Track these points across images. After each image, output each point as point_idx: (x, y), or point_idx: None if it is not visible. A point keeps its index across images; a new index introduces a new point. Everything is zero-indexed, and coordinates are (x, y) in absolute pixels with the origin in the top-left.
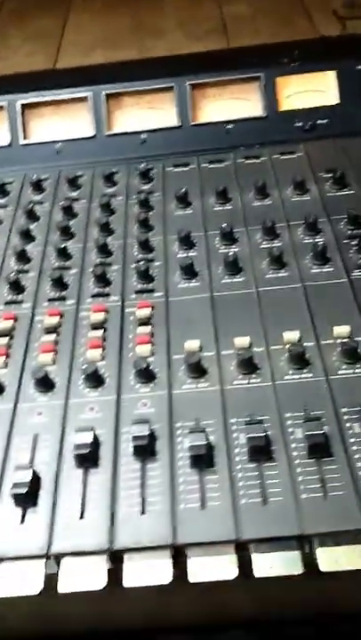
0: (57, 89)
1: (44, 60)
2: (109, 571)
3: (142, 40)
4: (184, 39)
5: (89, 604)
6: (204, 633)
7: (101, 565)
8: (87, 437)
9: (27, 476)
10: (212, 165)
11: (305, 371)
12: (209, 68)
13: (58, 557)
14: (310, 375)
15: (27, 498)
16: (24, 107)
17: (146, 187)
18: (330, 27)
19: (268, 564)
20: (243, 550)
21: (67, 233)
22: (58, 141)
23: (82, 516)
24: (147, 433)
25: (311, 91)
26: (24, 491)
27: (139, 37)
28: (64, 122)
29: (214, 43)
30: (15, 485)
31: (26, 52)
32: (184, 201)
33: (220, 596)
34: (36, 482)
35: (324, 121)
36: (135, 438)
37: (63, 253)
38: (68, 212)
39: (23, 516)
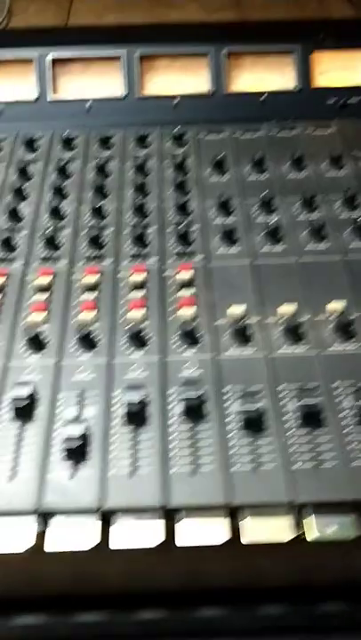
0: (90, 45)
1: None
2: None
3: (154, 9)
4: (197, 10)
5: (133, 562)
6: (242, 597)
7: (155, 522)
8: (137, 395)
9: (78, 431)
10: (245, 135)
11: (352, 341)
12: (246, 38)
13: (108, 513)
14: (357, 346)
15: (78, 452)
16: (54, 62)
17: (179, 151)
18: (340, 9)
19: (323, 528)
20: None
21: (101, 192)
22: (88, 99)
23: (134, 473)
24: (199, 394)
25: (345, 69)
26: (76, 445)
27: (150, 6)
28: (94, 80)
29: (228, 15)
30: (67, 440)
31: (35, 10)
32: (220, 167)
33: (261, 560)
34: (86, 437)
35: (357, 99)
36: (187, 399)
37: (98, 213)
38: (102, 171)
39: (74, 471)
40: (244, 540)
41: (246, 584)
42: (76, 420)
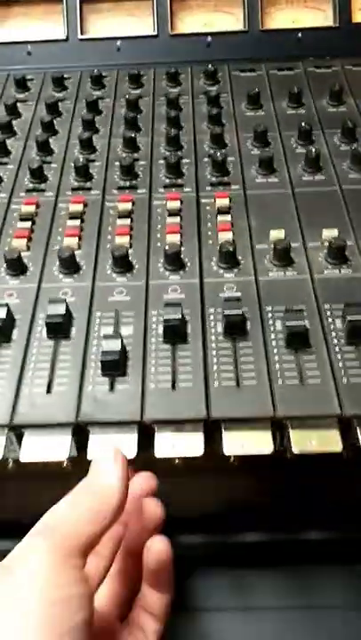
0: None
1: None
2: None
3: None
4: None
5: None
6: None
7: (198, 433)
8: (175, 312)
9: (116, 345)
10: (280, 72)
11: None
12: None
13: (151, 424)
14: None
15: (116, 366)
16: (82, 1)
17: (213, 88)
18: None
19: None
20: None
21: (133, 126)
22: (117, 38)
23: (173, 387)
24: (240, 312)
25: None
26: (115, 358)
27: None
28: (124, 19)
29: None
30: (105, 354)
31: None
32: (255, 102)
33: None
34: (124, 352)
35: None
36: (227, 316)
37: (132, 145)
38: (133, 107)
39: (112, 385)
40: (296, 449)
41: None
42: (114, 336)
